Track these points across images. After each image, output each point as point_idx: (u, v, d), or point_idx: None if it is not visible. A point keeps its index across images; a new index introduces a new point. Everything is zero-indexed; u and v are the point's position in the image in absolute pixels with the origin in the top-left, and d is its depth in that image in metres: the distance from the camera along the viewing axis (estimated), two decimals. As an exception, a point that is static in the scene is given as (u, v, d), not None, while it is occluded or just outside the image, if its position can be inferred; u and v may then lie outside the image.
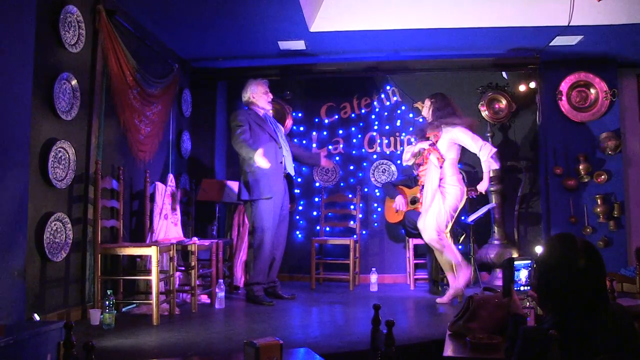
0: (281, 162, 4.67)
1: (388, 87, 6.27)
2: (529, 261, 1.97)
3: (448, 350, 2.43)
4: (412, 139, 4.81)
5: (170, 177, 4.89)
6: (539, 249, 4.98)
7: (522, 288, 1.94)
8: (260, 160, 4.39)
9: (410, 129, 6.19)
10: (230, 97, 6.44)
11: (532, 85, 5.87)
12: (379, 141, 6.26)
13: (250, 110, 4.81)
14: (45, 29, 3.46)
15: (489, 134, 5.98)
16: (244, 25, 4.89)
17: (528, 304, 2.23)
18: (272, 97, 4.87)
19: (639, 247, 4.27)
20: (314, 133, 6.35)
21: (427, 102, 4.77)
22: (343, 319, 4.16)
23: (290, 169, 4.80)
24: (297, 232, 6.19)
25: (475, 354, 2.34)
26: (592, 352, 1.55)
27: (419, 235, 5.30)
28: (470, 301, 2.76)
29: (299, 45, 5.38)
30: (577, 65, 5.88)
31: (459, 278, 4.38)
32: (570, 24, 4.67)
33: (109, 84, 4.14)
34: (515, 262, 1.93)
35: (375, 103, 6.30)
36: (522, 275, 1.94)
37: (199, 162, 6.00)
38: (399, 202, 5.46)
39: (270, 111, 4.95)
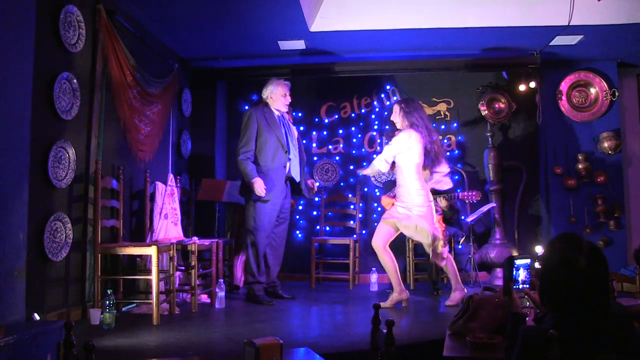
0: (284, 167, 4.63)
1: (388, 87, 6.27)
2: (529, 260, 1.97)
3: (448, 350, 2.43)
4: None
5: (171, 176, 4.88)
6: (539, 249, 4.99)
7: (521, 287, 1.94)
8: (257, 186, 4.44)
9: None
10: (230, 96, 6.44)
11: (532, 85, 5.87)
12: (379, 141, 6.26)
13: (266, 108, 4.75)
14: (45, 29, 3.46)
15: (489, 134, 5.98)
16: (244, 25, 4.89)
17: (528, 303, 2.23)
18: (290, 100, 4.79)
19: (637, 248, 4.27)
20: (314, 133, 6.35)
21: (396, 108, 4.51)
22: (343, 319, 4.16)
23: (296, 174, 4.75)
24: (297, 232, 6.19)
25: (475, 354, 2.34)
26: (592, 352, 1.55)
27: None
28: (470, 301, 2.76)
29: (299, 45, 5.38)
30: (577, 65, 5.89)
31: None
32: (570, 24, 4.67)
33: (109, 84, 4.14)
34: (515, 261, 1.93)
35: (375, 103, 6.30)
36: (522, 274, 1.94)
37: (199, 161, 6.00)
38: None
39: (287, 113, 4.87)
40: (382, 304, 4.21)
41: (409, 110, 4.41)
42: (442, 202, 5.10)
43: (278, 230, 4.75)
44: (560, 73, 5.90)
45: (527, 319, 1.98)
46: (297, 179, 4.77)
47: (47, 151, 3.44)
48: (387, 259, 4.36)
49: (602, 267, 1.65)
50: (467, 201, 5.30)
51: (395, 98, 6.26)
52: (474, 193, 5.11)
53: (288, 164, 4.66)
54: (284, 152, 4.63)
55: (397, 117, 4.48)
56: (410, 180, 4.30)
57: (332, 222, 6.14)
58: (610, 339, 1.58)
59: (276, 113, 4.75)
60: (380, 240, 4.36)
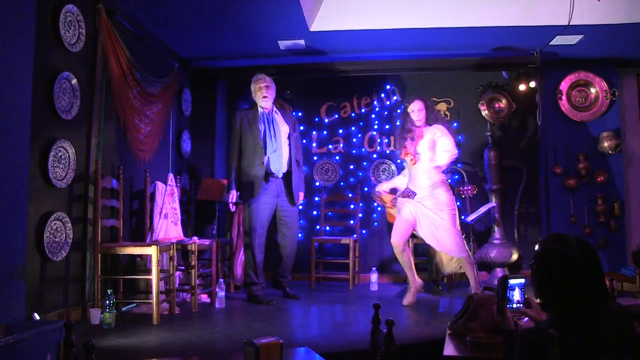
0: (262, 164, 4.57)
1: (388, 87, 6.27)
2: (523, 280, 1.97)
3: (448, 350, 2.43)
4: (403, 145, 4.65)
5: (171, 176, 4.88)
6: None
7: (515, 306, 1.94)
8: (228, 196, 4.68)
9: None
10: (230, 96, 6.44)
11: (532, 84, 5.87)
12: (379, 140, 6.26)
13: (252, 109, 4.77)
14: (45, 28, 3.46)
15: (489, 134, 5.99)
16: (244, 25, 4.89)
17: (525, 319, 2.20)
18: (267, 93, 4.66)
19: (635, 250, 4.26)
20: (314, 132, 6.35)
21: (420, 105, 4.51)
22: (343, 319, 4.16)
23: (277, 169, 4.64)
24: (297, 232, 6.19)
25: (476, 354, 2.34)
26: (592, 352, 1.55)
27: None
28: (470, 301, 2.76)
29: (299, 44, 5.38)
30: (577, 64, 5.88)
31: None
32: (570, 24, 4.67)
33: (109, 84, 4.14)
34: (509, 281, 1.94)
35: (375, 102, 6.30)
36: (516, 294, 1.94)
37: (199, 161, 6.00)
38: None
39: (273, 108, 4.79)
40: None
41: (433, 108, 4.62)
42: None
43: (285, 231, 4.76)
44: (560, 73, 5.90)
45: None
46: (279, 174, 4.67)
47: (47, 151, 3.44)
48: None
49: (592, 256, 1.67)
50: (463, 196, 5.30)
51: (395, 98, 6.27)
52: (469, 188, 5.11)
53: (265, 159, 4.60)
54: (260, 149, 4.58)
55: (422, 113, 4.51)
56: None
57: (332, 221, 6.14)
58: (610, 339, 1.58)
59: (260, 111, 4.71)
60: None
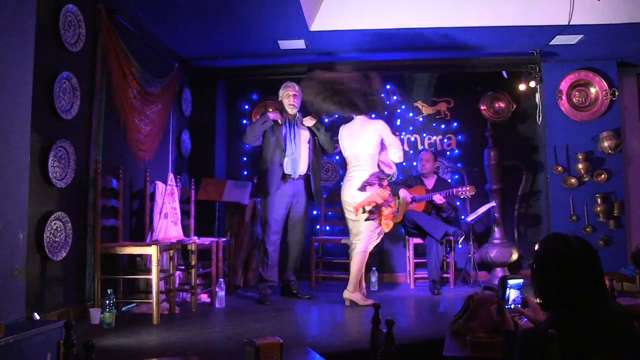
0: (281, 165, 4.67)
1: (388, 87, 6.26)
2: (521, 280, 1.98)
3: (448, 350, 2.44)
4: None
5: (171, 176, 4.88)
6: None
7: (512, 306, 1.95)
8: (269, 113, 4.79)
9: (410, 128, 6.22)
10: (230, 96, 6.43)
11: (532, 84, 5.87)
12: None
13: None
14: (45, 28, 3.46)
15: (489, 134, 5.99)
16: (244, 25, 4.89)
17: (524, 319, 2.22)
18: (294, 101, 4.86)
19: (635, 250, 4.26)
20: (314, 132, 6.33)
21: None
22: (343, 318, 4.16)
23: (293, 171, 4.73)
24: (297, 232, 6.18)
25: (475, 353, 2.34)
26: (592, 352, 1.55)
27: (418, 235, 5.31)
28: (470, 300, 2.76)
29: (299, 44, 5.38)
30: (577, 64, 5.89)
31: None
32: (570, 24, 4.67)
33: (109, 84, 4.14)
34: (509, 281, 1.95)
35: (375, 102, 6.28)
36: (513, 294, 1.95)
37: (199, 161, 5.99)
38: (404, 194, 5.38)
39: (296, 113, 4.93)
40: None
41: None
42: (439, 200, 5.12)
43: (293, 230, 4.82)
44: (560, 72, 5.90)
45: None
46: (295, 176, 4.75)
47: (47, 150, 3.44)
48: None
49: (592, 256, 1.67)
50: (462, 196, 5.31)
51: (395, 98, 6.26)
52: (467, 188, 5.13)
53: (285, 161, 4.69)
54: (280, 151, 4.69)
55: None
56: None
57: (332, 221, 6.14)
58: (610, 339, 1.58)
59: (284, 115, 4.85)
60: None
